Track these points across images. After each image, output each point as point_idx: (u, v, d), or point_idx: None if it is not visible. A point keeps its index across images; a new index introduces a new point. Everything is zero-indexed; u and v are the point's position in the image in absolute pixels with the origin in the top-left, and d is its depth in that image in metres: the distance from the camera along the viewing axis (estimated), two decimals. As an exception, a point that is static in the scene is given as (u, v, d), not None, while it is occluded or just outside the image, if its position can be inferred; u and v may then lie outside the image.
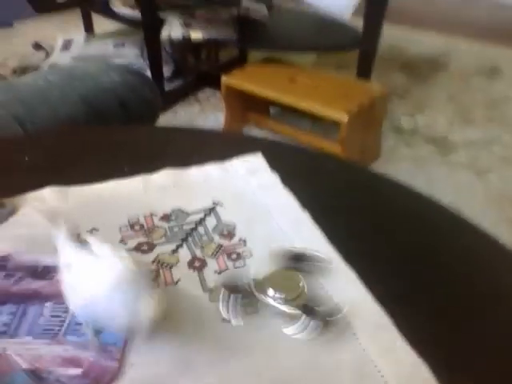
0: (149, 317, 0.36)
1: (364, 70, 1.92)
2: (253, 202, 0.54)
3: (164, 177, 0.56)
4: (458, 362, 0.39)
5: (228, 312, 0.41)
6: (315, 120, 2.01)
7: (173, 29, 2.09)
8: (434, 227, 0.54)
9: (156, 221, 0.50)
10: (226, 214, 0.52)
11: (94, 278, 0.37)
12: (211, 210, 0.52)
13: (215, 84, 1.98)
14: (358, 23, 1.85)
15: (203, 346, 0.38)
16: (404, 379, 0.37)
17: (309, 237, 0.49)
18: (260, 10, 2.16)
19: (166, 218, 0.51)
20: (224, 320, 0.40)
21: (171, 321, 0.40)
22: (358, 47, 1.90)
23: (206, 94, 2.42)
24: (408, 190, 0.60)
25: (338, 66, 2.52)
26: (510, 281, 0.47)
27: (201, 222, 0.51)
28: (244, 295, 0.42)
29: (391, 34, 2.75)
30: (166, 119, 2.16)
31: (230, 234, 0.49)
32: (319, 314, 0.40)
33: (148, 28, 2.11)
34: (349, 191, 0.58)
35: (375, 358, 0.38)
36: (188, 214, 0.51)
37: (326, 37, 2.08)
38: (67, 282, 0.38)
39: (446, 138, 2.02)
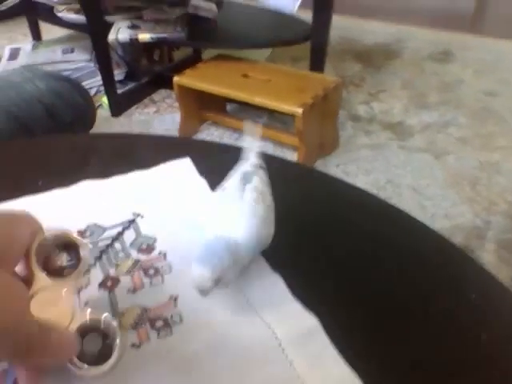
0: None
1: (317, 62, 1.90)
2: (177, 211, 0.50)
3: (81, 189, 0.53)
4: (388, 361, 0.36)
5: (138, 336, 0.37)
6: (273, 113, 1.99)
7: (119, 32, 2.03)
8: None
9: (68, 239, 0.46)
10: (147, 227, 0.48)
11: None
12: (130, 223, 0.49)
13: (170, 85, 1.94)
14: (308, 15, 1.83)
15: (108, 381, 0.35)
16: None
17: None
18: (209, 8, 2.12)
19: (79, 235, 0.47)
20: (133, 345, 0.37)
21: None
22: (308, 40, 1.88)
23: (161, 95, 2.38)
24: (339, 182, 0.57)
25: (293, 59, 2.51)
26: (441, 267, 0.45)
27: (118, 236, 0.47)
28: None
29: (343, 26, 2.75)
30: (120, 123, 2.11)
31: (149, 248, 0.46)
32: None
33: (95, 32, 2.05)
34: (286, 191, 0.55)
35: (303, 373, 0.35)
36: (105, 229, 0.48)
37: (276, 31, 2.05)
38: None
39: (403, 123, 2.03)
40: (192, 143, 0.61)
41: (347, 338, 0.38)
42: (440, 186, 1.67)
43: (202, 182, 0.54)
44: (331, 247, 0.47)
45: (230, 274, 0.38)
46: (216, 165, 0.57)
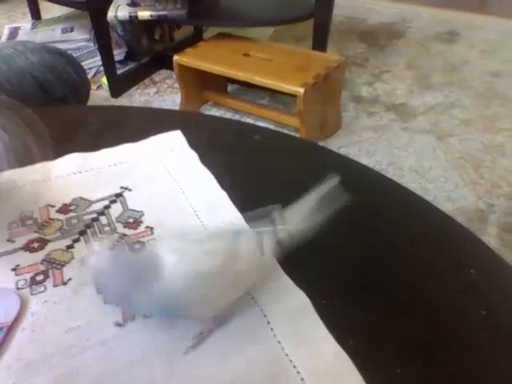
0: None
1: (319, 41, 1.86)
2: (167, 184, 0.49)
3: (68, 163, 0.51)
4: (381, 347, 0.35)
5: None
6: (274, 94, 1.96)
7: (119, 9, 2.00)
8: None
9: (52, 213, 0.44)
10: (135, 200, 0.46)
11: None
12: (118, 197, 0.47)
13: (170, 65, 1.91)
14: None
15: (91, 358, 0.33)
16: (322, 374, 0.33)
17: (224, 218, 0.44)
18: (210, -16, 2.08)
19: (64, 208, 0.45)
20: (117, 324, 0.35)
21: (57, 329, 0.35)
22: (311, 18, 1.84)
23: (161, 75, 2.34)
24: (342, 158, 0.55)
25: (296, 39, 2.46)
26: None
27: (104, 210, 0.45)
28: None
29: (346, 5, 2.69)
30: (120, 104, 2.09)
31: (136, 222, 0.44)
32: None
33: (93, 10, 2.01)
34: (277, 164, 0.53)
35: (291, 352, 0.34)
36: (91, 203, 0.46)
37: (279, 9, 2.01)
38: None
39: (406, 104, 1.99)
40: (183, 116, 0.59)
41: (339, 314, 0.36)
42: (443, 169, 1.65)
43: (192, 155, 0.52)
44: (332, 224, 0.45)
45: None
46: (208, 138, 0.56)
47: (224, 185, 0.48)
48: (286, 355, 0.33)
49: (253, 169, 0.52)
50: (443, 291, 0.38)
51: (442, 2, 2.79)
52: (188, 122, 0.58)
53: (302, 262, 0.40)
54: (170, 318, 0.35)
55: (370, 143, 1.77)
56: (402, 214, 0.47)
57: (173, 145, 0.54)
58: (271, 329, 0.35)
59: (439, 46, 2.48)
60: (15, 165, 0.31)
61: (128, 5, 2.00)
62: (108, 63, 2.12)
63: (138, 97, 2.17)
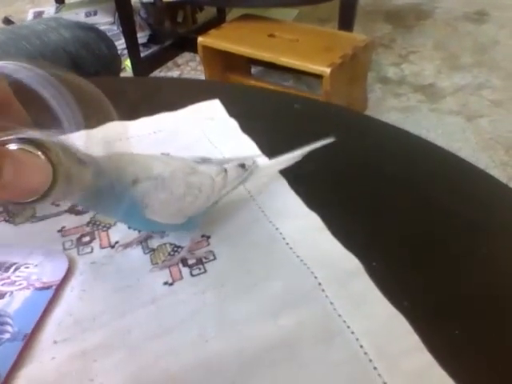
0: None
1: (346, 22, 1.83)
2: (207, 150, 0.48)
3: (108, 130, 0.50)
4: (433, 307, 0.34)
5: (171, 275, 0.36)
6: (298, 76, 1.94)
7: (143, -9, 1.99)
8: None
9: (96, 178, 0.44)
10: (177, 166, 0.46)
11: None
12: (159, 163, 0.46)
13: (193, 48, 1.90)
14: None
15: (142, 316, 0.33)
16: (378, 335, 0.32)
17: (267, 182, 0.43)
18: (234, -35, 2.06)
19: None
20: (166, 283, 0.35)
21: (106, 288, 0.35)
22: (337, -3, 1.81)
23: (184, 58, 2.34)
24: (379, 123, 0.54)
25: (321, 20, 2.43)
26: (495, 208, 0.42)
27: (146, 175, 0.45)
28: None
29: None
30: (144, 87, 2.09)
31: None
32: None
33: (118, -8, 2.01)
34: (317, 131, 0.52)
35: (344, 313, 0.33)
36: (133, 169, 0.46)
37: (304, -12, 1.98)
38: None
39: (435, 85, 1.95)
40: (220, 86, 0.58)
41: (391, 277, 0.35)
42: (472, 150, 1.62)
43: (232, 123, 0.51)
44: (376, 189, 0.44)
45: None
46: (246, 107, 0.55)
47: (264, 152, 0.47)
48: (340, 316, 0.33)
49: (293, 137, 0.51)
50: (500, 251, 0.37)
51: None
52: (225, 92, 0.58)
53: (351, 226, 0.40)
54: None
55: (397, 124, 1.74)
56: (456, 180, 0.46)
57: (212, 113, 0.53)
58: (323, 290, 0.34)
59: (468, 26, 2.42)
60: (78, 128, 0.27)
61: (152, -14, 2.00)
62: (132, 46, 2.12)
63: (162, 79, 2.17)
